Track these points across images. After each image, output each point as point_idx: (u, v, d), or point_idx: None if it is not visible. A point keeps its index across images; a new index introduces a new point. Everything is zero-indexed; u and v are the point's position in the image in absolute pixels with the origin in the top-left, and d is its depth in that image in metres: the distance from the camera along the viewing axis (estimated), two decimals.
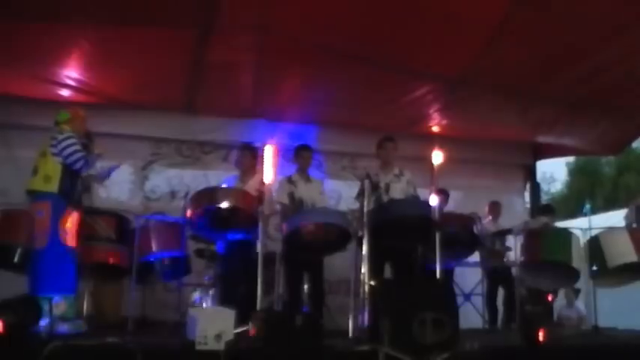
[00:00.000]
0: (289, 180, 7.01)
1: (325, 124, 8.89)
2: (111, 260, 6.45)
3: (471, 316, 7.45)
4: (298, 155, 7.17)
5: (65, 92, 7.81)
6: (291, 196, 6.88)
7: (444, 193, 7.29)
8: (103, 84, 7.79)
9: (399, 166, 6.84)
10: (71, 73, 7.47)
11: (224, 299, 6.22)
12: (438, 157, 6.11)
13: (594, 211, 7.94)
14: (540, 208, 8.98)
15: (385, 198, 6.60)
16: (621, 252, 6.74)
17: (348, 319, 5.80)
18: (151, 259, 6.63)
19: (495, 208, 8.81)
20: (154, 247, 6.61)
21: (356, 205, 6.50)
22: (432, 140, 8.67)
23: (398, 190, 6.65)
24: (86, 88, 7.77)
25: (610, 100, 8.14)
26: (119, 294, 7.01)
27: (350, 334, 5.69)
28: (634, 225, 7.47)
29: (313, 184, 7.12)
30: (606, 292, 7.29)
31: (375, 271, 5.99)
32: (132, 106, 8.33)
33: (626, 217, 7.68)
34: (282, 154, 7.89)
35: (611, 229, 7.37)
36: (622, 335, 7.03)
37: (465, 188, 9.56)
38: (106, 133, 8.20)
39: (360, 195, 6.00)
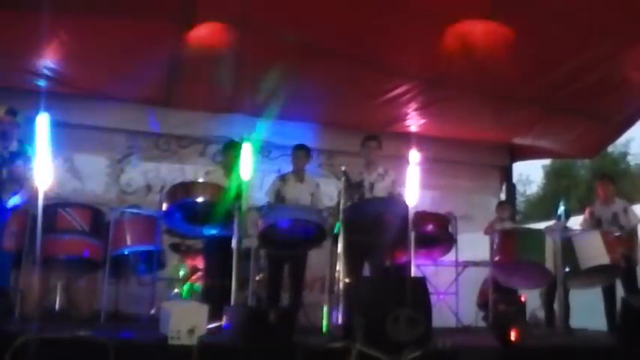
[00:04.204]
0: (282, 178, 7.00)
1: (303, 120, 8.87)
2: (84, 253, 6.39)
3: (445, 315, 7.48)
4: (293, 154, 7.14)
5: (42, 82, 7.73)
6: (277, 193, 6.87)
7: None
8: (80, 75, 7.72)
9: (383, 165, 6.81)
10: (48, 63, 7.39)
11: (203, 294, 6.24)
12: (414, 157, 6.12)
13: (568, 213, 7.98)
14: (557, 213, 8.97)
15: (369, 196, 6.61)
16: (594, 254, 6.80)
17: (323, 316, 5.80)
18: (125, 253, 6.59)
19: (503, 209, 8.82)
20: (129, 241, 6.58)
21: (333, 202, 6.52)
22: (410, 140, 8.73)
23: (381, 190, 6.64)
24: (63, 78, 7.70)
25: (586, 104, 8.23)
26: (92, 287, 6.95)
27: (324, 331, 5.69)
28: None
29: (305, 184, 7.07)
30: (578, 293, 7.37)
31: (353, 269, 6.00)
32: (109, 98, 8.26)
33: (583, 223, 7.75)
34: (259, 149, 7.87)
35: (584, 231, 7.44)
36: (593, 336, 7.11)
37: (442, 188, 9.59)
38: (82, 125, 8.20)
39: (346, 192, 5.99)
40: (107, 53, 7.08)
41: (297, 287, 6.81)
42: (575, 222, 8.07)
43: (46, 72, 7.55)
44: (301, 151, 7.09)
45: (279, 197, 6.83)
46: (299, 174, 7.05)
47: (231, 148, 6.82)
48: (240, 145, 6.80)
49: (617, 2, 6.01)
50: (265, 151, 8.48)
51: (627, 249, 7.26)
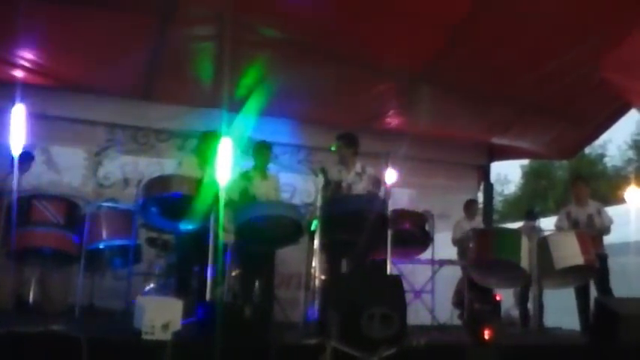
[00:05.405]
0: (245, 175, 6.94)
1: (282, 116, 8.86)
2: (58, 246, 6.34)
3: (421, 313, 7.51)
4: (257, 151, 7.09)
5: (19, 73, 7.64)
6: (244, 191, 6.82)
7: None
8: (59, 66, 7.66)
9: (361, 162, 6.77)
10: (26, 54, 7.31)
11: (176, 289, 6.20)
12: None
13: (545, 213, 8.04)
14: (528, 213, 9.05)
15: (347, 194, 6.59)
16: (568, 254, 6.85)
17: (299, 312, 5.80)
18: (101, 247, 6.54)
19: (471, 207, 8.89)
20: (104, 235, 6.53)
21: (311, 199, 6.50)
22: (389, 137, 8.76)
23: (361, 189, 6.59)
24: (41, 70, 7.62)
25: (564, 106, 8.30)
26: (67, 281, 6.90)
27: (299, 327, 5.70)
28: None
29: (269, 180, 7.05)
30: (552, 293, 7.43)
31: (333, 267, 6.00)
32: (88, 90, 8.20)
33: (558, 223, 7.82)
34: (239, 145, 7.86)
35: (559, 232, 7.50)
36: (566, 335, 7.18)
37: (420, 186, 9.64)
38: (60, 117, 8.14)
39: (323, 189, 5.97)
40: (86, 45, 7.03)
41: (268, 282, 6.76)
42: (550, 222, 8.14)
43: (23, 63, 7.47)
44: (267, 149, 7.07)
45: (247, 195, 6.76)
46: (262, 170, 7.01)
47: (208, 139, 6.77)
48: (218, 136, 6.77)
49: (595, 5, 6.06)
50: (245, 146, 8.43)
51: (600, 250, 7.34)
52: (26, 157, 7.33)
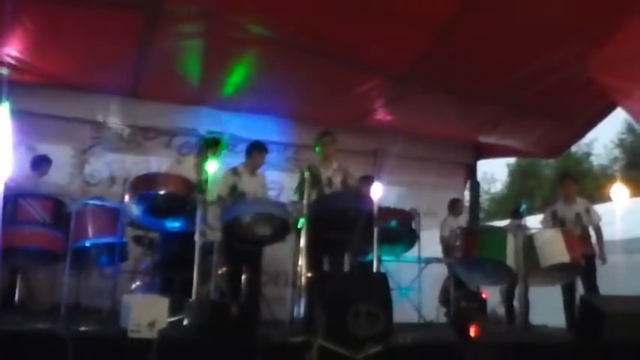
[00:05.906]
0: (234, 171, 6.95)
1: (270, 114, 8.86)
2: (44, 245, 6.31)
3: (408, 311, 7.53)
4: (254, 152, 7.09)
5: (4, 71, 7.59)
6: (233, 188, 6.83)
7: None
8: (45, 64, 7.61)
9: (340, 160, 6.83)
10: (11, 51, 7.27)
11: (162, 287, 6.19)
12: (381, 152, 6.15)
13: (531, 211, 8.06)
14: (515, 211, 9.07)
15: (330, 192, 6.62)
16: (554, 252, 6.88)
17: (286, 310, 5.80)
18: (87, 245, 6.51)
19: (455, 205, 8.93)
20: (90, 233, 6.49)
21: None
22: (377, 135, 8.77)
23: (338, 184, 6.66)
24: (27, 67, 7.58)
25: (551, 104, 8.34)
26: (53, 279, 6.86)
27: (286, 325, 5.70)
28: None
29: (257, 177, 7.08)
30: (538, 290, 7.46)
31: (314, 263, 6.00)
32: (74, 87, 8.17)
33: (543, 222, 7.84)
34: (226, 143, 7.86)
35: (545, 230, 7.53)
36: (552, 332, 7.21)
37: (407, 184, 9.66)
38: (46, 115, 8.10)
39: (299, 188, 6.01)
40: (73, 43, 7.00)
41: (255, 280, 6.77)
42: (537, 220, 8.17)
43: (9, 60, 7.42)
44: (264, 152, 7.08)
45: (236, 191, 6.77)
46: (252, 168, 7.02)
47: (213, 145, 6.78)
48: (223, 145, 6.80)
49: (581, 4, 6.09)
50: (231, 144, 8.42)
51: (588, 248, 7.36)
52: (43, 160, 7.36)
